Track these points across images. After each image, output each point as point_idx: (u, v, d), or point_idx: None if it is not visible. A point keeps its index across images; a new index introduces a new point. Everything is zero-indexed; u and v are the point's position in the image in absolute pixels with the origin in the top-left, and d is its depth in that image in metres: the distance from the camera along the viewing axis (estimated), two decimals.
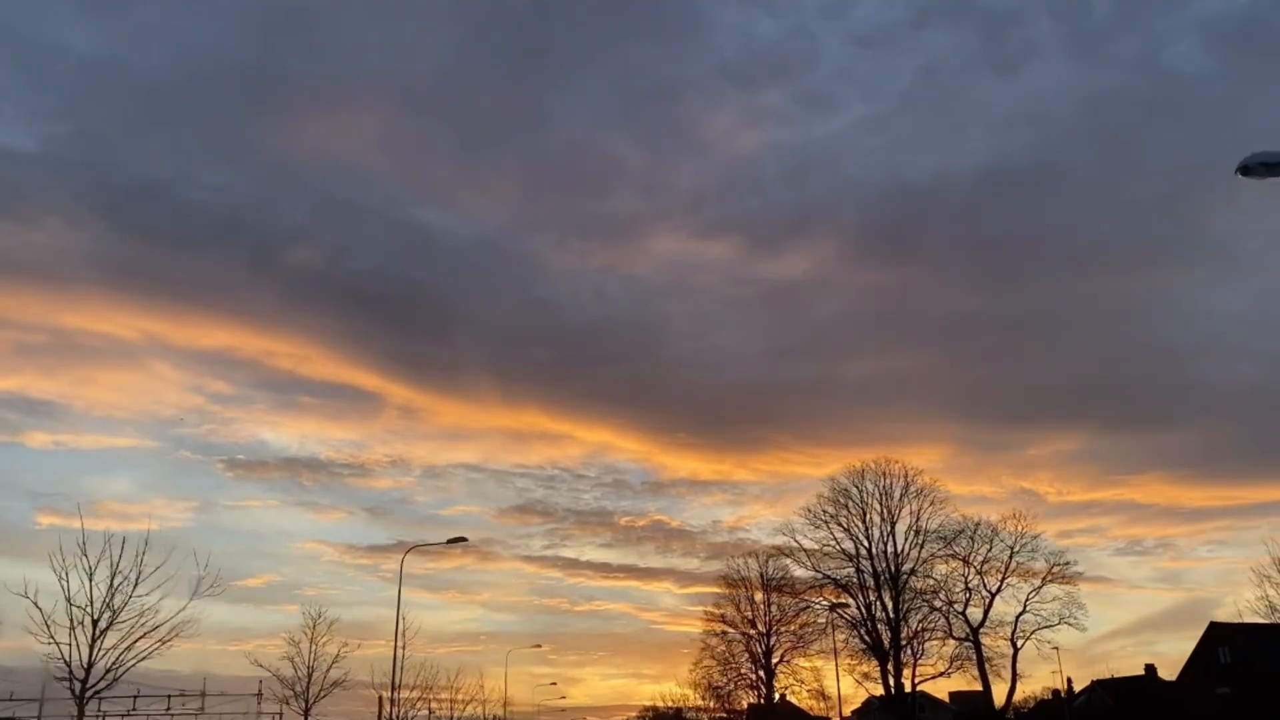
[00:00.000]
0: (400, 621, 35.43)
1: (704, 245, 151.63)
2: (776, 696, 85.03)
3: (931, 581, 66.20)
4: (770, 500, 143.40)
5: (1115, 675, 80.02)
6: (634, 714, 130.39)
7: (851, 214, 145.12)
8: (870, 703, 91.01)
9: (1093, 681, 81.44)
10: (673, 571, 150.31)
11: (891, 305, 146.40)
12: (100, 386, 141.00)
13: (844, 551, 68.16)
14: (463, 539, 39.31)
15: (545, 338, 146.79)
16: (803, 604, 72.94)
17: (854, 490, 68.30)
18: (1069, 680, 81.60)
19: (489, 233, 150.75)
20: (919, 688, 71.25)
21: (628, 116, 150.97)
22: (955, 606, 65.33)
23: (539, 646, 77.71)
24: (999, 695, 66.52)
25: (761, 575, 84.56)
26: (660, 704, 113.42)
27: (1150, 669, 76.84)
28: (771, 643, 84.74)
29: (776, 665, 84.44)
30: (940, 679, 71.82)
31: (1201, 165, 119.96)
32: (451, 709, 62.39)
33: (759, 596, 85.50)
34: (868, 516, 67.62)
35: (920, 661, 70.30)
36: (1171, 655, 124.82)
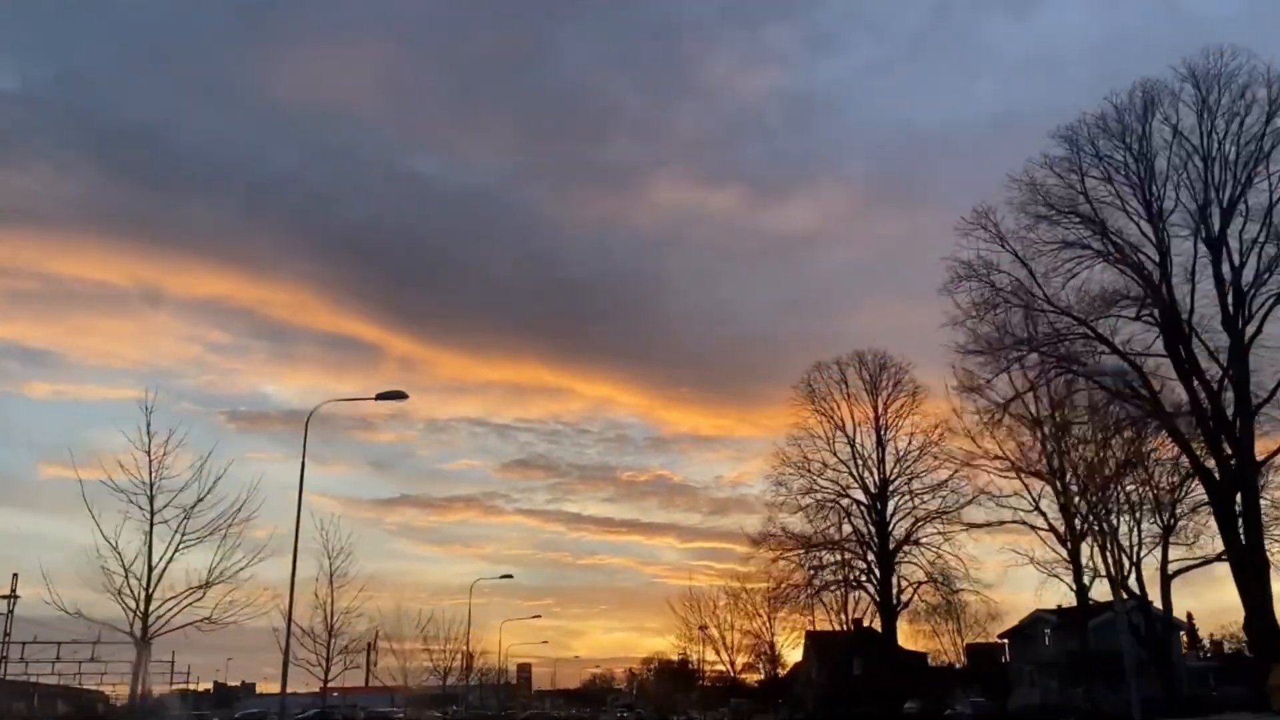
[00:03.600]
0: None
1: (705, 195, 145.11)
2: (901, 599, 48.47)
3: None
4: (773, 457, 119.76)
5: None
6: (635, 665, 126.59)
7: (858, 162, 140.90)
8: (1042, 620, 55.24)
9: None
10: (675, 527, 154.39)
11: (900, 257, 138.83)
12: (97, 335, 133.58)
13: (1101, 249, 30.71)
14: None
15: (545, 290, 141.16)
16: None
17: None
18: None
19: (486, 181, 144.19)
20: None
21: (626, 58, 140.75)
22: None
23: (538, 617, 78.57)
24: None
25: (871, 379, 47.93)
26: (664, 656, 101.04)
27: None
28: (889, 512, 48.20)
29: (899, 550, 47.93)
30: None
31: None
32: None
33: (867, 441, 48.79)
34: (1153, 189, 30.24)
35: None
36: None
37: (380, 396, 22.80)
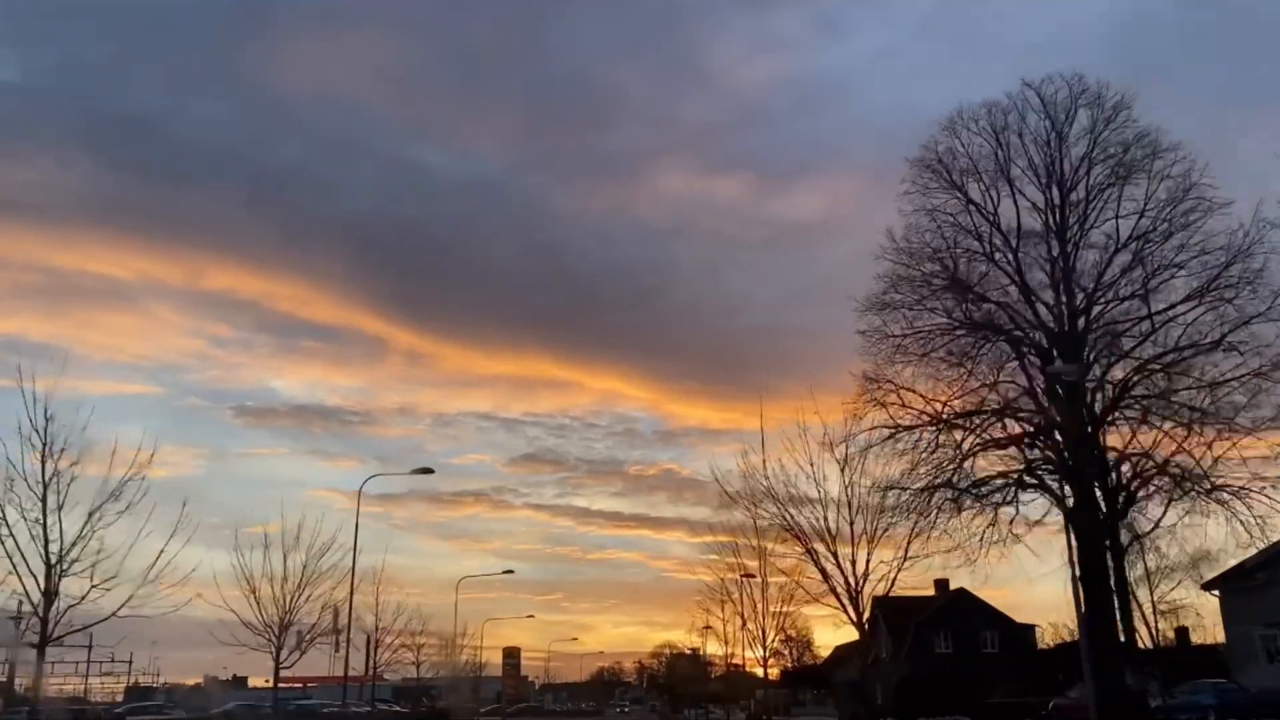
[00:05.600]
0: None
1: (712, 183, 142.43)
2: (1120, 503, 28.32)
3: None
4: (782, 451, 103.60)
5: None
6: (645, 657, 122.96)
7: (867, 149, 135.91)
8: None
9: None
10: (684, 521, 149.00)
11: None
12: (101, 329, 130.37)
13: None
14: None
15: (550, 282, 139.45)
16: None
17: None
18: None
19: (490, 171, 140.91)
20: None
21: (631, 45, 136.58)
22: None
23: (510, 571, 64.50)
24: None
25: (1053, 129, 28.16)
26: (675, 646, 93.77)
27: None
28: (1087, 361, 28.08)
29: (1104, 424, 27.81)
30: None
31: (1245, 96, 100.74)
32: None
33: (1046, 243, 28.71)
34: None
35: None
36: None
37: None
